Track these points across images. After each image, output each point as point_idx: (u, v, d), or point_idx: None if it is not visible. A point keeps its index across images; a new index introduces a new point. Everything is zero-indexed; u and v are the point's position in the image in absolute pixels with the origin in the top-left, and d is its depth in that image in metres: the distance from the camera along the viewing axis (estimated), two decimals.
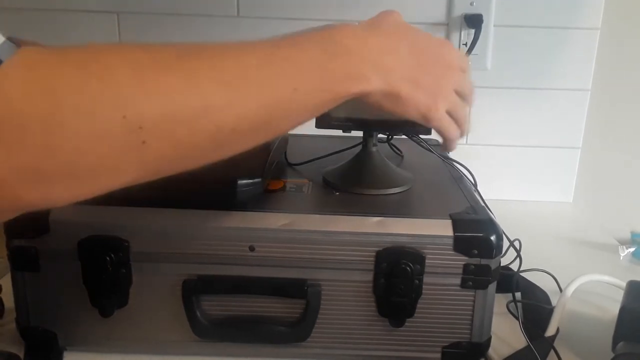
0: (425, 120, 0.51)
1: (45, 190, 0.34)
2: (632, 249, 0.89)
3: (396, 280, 0.56)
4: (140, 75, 0.35)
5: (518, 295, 0.70)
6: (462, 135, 0.56)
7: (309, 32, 0.46)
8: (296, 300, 0.58)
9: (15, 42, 0.33)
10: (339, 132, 0.66)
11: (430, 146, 0.77)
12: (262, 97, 0.41)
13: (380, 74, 0.47)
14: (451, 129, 0.54)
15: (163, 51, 0.38)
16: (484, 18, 1.01)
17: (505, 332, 0.65)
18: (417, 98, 0.50)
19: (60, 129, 0.32)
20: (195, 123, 0.37)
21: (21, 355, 0.58)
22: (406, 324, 0.59)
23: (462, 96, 0.54)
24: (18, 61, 0.32)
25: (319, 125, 0.64)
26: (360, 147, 0.70)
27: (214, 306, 0.59)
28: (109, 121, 0.34)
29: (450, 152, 0.66)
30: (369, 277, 0.57)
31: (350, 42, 0.46)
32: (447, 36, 1.04)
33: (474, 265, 0.57)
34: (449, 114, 0.53)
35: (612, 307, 0.68)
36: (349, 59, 0.45)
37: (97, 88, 0.33)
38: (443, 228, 0.57)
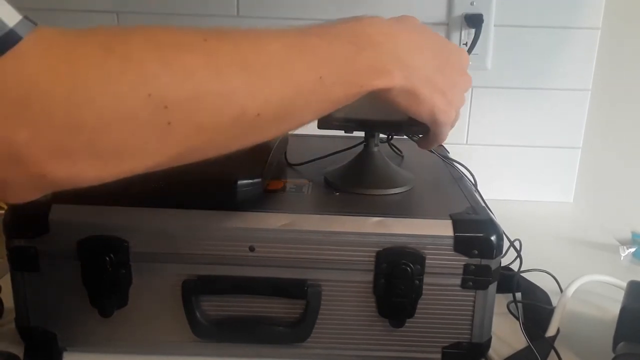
0: (434, 122, 0.52)
1: (70, 168, 0.34)
2: (632, 249, 0.89)
3: (396, 281, 0.56)
4: (164, 56, 0.35)
5: (518, 295, 0.70)
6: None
7: (339, 23, 0.46)
8: (296, 300, 0.58)
9: (32, 21, 0.33)
10: (339, 132, 0.66)
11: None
12: (287, 84, 0.40)
13: (405, 71, 0.47)
14: (448, 133, 0.55)
15: (188, 33, 0.37)
16: (485, 18, 1.01)
17: (506, 332, 0.65)
18: (434, 100, 0.50)
19: (84, 106, 0.32)
20: (219, 106, 0.37)
21: (21, 355, 0.58)
22: (406, 324, 0.58)
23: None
24: (38, 39, 0.32)
25: (320, 126, 0.64)
26: (360, 147, 0.70)
27: (213, 306, 0.59)
28: (133, 99, 0.33)
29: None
30: (369, 277, 0.57)
31: (379, 36, 0.46)
32: (447, 36, 1.04)
33: (474, 265, 0.57)
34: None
35: (612, 307, 0.68)
36: (376, 53, 0.45)
37: (120, 66, 0.33)
38: (443, 228, 0.57)
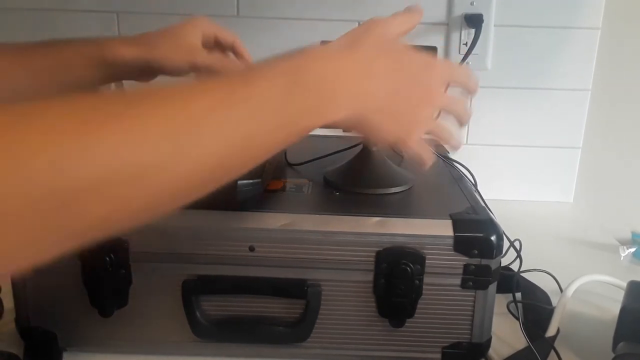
0: (397, 148, 0.49)
1: None
2: (632, 249, 0.89)
3: (396, 281, 0.56)
4: (78, 130, 0.30)
5: (518, 295, 0.70)
6: (457, 146, 0.55)
7: (277, 61, 0.42)
8: (296, 300, 0.58)
9: None
10: (339, 132, 0.66)
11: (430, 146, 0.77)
12: (218, 142, 0.37)
13: (351, 103, 0.44)
14: (424, 154, 0.51)
15: (110, 101, 0.34)
16: (485, 18, 1.01)
17: (506, 332, 0.65)
18: (387, 128, 0.47)
19: None
20: (138, 183, 0.32)
21: (21, 355, 0.58)
22: (406, 324, 0.58)
23: (452, 112, 0.52)
24: None
25: None
26: (360, 147, 0.70)
27: (213, 306, 0.59)
28: (35, 187, 0.28)
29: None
30: (369, 277, 0.57)
31: (321, 70, 0.43)
32: (447, 36, 1.04)
33: (474, 265, 0.57)
34: (432, 133, 0.51)
35: (612, 307, 0.68)
36: (317, 89, 0.42)
37: (25, 152, 0.28)
38: (443, 228, 0.57)
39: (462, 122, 0.54)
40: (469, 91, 0.53)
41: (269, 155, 0.42)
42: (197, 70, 0.69)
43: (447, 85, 0.52)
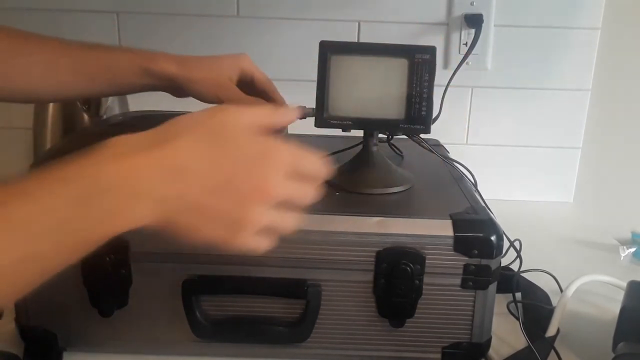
0: (217, 249, 0.43)
1: None
2: (632, 249, 0.89)
3: (396, 281, 0.56)
4: None
5: (518, 295, 0.70)
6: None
7: (72, 167, 0.38)
8: (296, 300, 0.58)
9: None
10: (339, 132, 0.66)
11: (430, 146, 0.77)
12: None
13: (158, 206, 0.39)
14: (260, 248, 0.46)
15: None
16: (485, 18, 1.01)
17: (506, 332, 0.65)
18: (206, 230, 0.42)
19: None
20: None
21: (21, 355, 0.58)
22: (406, 324, 0.58)
23: (294, 203, 0.46)
24: None
25: (317, 124, 0.64)
26: (360, 147, 0.70)
27: (213, 306, 0.59)
28: None
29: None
30: (369, 277, 0.57)
31: (117, 171, 0.38)
32: (447, 36, 1.04)
33: (474, 265, 0.57)
34: (268, 228, 0.45)
35: (612, 307, 0.68)
36: (113, 195, 0.38)
37: None
38: (443, 228, 0.57)
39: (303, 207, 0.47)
40: (316, 180, 0.47)
41: (61, 268, 0.38)
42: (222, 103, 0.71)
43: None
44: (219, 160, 0.42)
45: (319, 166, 0.46)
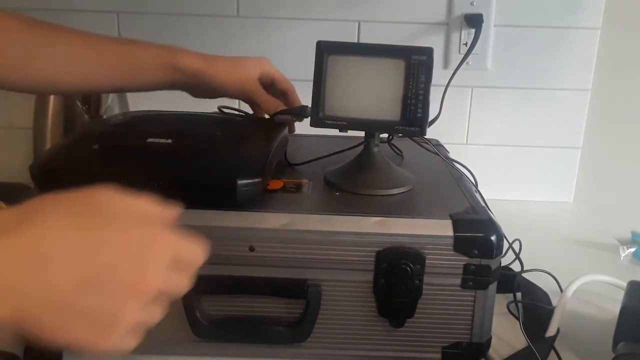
0: (86, 351, 0.37)
1: None
2: (632, 249, 0.89)
3: (396, 281, 0.56)
4: None
5: (518, 295, 0.70)
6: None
7: None
8: (296, 300, 0.58)
9: None
10: (339, 132, 0.66)
11: (430, 146, 0.77)
12: None
13: (9, 301, 0.33)
14: (128, 348, 0.41)
15: None
16: (485, 18, 1.01)
17: (506, 332, 0.65)
18: (70, 330, 0.36)
19: None
20: None
21: (21, 355, 0.58)
22: (406, 324, 0.58)
23: (172, 291, 0.41)
24: None
25: (313, 124, 0.64)
26: (360, 147, 0.70)
27: (213, 306, 0.59)
28: None
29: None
30: (369, 277, 0.57)
31: None
32: (447, 36, 1.04)
33: (474, 265, 0.57)
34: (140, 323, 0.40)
35: (612, 307, 0.68)
36: None
37: None
38: (443, 228, 0.57)
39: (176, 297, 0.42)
40: (193, 268, 0.43)
41: None
42: (248, 98, 0.74)
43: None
44: (91, 248, 0.36)
45: (199, 253, 0.43)
